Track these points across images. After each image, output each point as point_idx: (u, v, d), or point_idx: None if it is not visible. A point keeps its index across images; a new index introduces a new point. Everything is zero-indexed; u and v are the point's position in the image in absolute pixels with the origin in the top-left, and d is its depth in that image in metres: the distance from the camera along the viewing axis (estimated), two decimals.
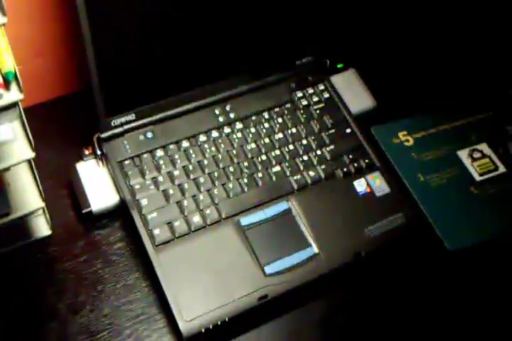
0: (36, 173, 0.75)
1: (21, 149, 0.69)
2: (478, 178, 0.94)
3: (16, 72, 0.62)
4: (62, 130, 0.90)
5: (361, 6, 1.00)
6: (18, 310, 0.79)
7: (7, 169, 0.73)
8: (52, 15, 0.81)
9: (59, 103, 0.92)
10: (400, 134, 0.98)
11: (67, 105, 0.92)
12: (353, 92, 0.98)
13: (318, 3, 0.90)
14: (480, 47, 1.06)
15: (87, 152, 0.85)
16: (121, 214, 0.84)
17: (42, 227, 0.82)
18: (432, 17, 1.07)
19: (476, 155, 0.97)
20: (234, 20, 0.84)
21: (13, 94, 0.62)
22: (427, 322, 0.82)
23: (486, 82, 1.03)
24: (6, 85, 0.62)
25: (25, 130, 0.68)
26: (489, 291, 0.85)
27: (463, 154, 0.96)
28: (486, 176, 0.95)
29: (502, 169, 0.96)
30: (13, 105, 0.65)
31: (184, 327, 0.76)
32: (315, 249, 0.82)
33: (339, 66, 0.99)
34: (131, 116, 0.85)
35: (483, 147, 0.97)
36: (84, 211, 0.83)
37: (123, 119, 0.84)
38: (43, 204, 0.76)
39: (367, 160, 0.90)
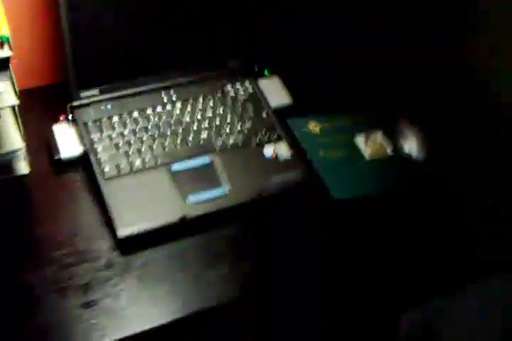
0: (20, 120, 1.01)
1: (9, 98, 0.93)
2: (368, 157, 1.21)
3: (8, 37, 0.86)
4: (44, 101, 1.17)
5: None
6: None
7: None
8: (42, 9, 1.10)
9: (45, 86, 1.21)
10: (310, 125, 1.25)
11: (52, 85, 1.20)
12: (274, 91, 1.25)
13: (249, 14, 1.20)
14: None
15: (61, 117, 1.14)
16: (84, 161, 1.10)
17: (22, 166, 1.05)
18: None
19: (370, 140, 1.24)
20: (176, 26, 1.14)
21: (5, 52, 0.85)
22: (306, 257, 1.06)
23: None
24: (1, 45, 0.85)
25: (13, 85, 0.93)
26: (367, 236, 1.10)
27: (359, 139, 1.23)
28: (375, 156, 1.21)
29: (389, 152, 1.22)
30: (5, 66, 0.90)
31: (120, 230, 1.01)
32: (226, 188, 1.09)
33: (266, 72, 1.28)
34: (96, 91, 1.14)
35: (378, 135, 1.24)
36: (55, 158, 1.10)
37: (89, 93, 1.13)
38: (23, 145, 1.02)
39: (276, 135, 1.18)
